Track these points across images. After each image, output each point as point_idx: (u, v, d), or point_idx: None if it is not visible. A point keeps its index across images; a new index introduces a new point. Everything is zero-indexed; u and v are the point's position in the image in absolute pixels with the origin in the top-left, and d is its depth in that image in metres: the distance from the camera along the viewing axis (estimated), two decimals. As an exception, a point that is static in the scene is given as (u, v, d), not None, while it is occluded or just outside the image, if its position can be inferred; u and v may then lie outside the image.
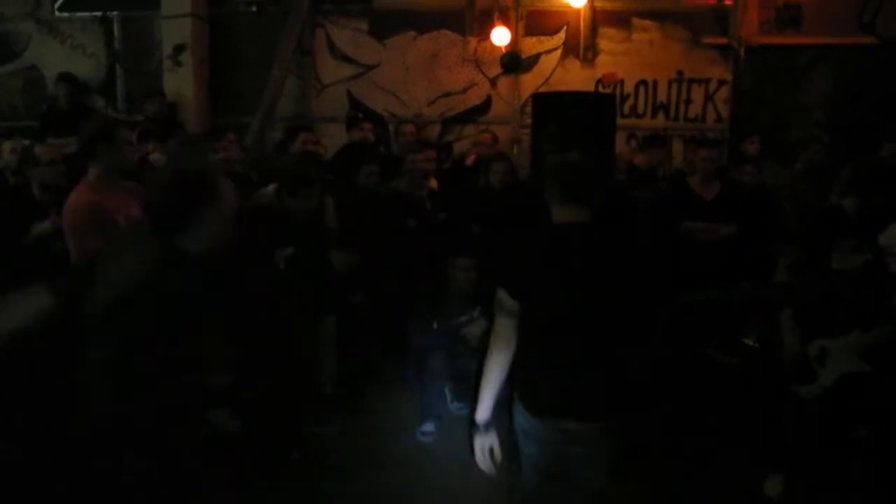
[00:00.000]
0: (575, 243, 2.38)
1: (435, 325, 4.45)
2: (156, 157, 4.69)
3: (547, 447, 2.48)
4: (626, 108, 6.94)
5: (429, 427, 4.34)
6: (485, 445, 2.51)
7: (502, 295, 2.43)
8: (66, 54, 7.56)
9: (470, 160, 6.16)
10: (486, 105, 7.23)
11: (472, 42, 7.13)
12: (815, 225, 3.96)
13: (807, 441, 3.53)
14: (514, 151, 6.88)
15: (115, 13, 7.47)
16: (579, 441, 2.39)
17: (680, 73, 6.89)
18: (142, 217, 3.36)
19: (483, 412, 2.52)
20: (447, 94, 7.24)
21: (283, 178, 4.14)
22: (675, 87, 6.92)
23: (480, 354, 2.66)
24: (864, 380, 3.46)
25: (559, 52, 7.05)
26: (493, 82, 7.19)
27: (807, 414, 3.51)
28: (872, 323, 3.50)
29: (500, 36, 6.85)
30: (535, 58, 7.08)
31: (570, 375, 2.36)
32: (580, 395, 2.36)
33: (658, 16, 6.86)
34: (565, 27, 7.00)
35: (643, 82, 6.96)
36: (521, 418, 2.52)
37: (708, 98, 6.88)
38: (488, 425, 2.52)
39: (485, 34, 6.97)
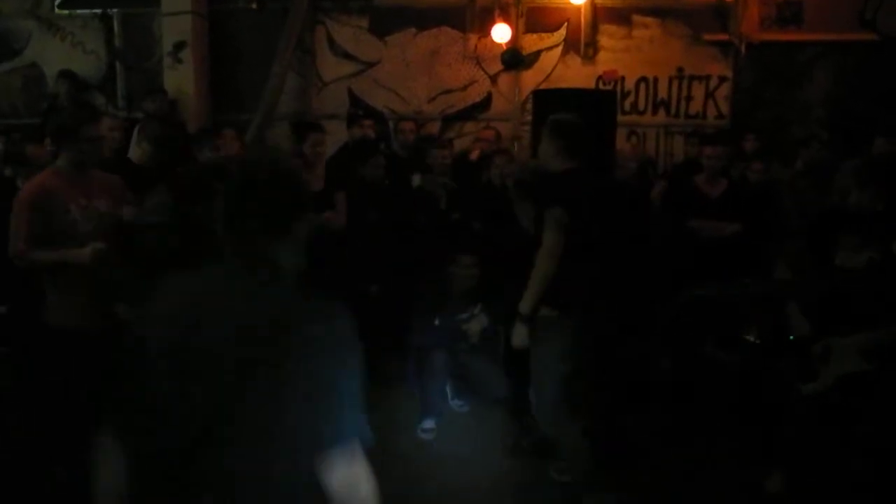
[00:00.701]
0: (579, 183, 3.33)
1: (436, 322, 4.45)
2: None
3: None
4: (627, 105, 6.93)
5: (429, 424, 4.34)
6: (523, 333, 3.32)
7: (564, 217, 3.22)
8: (66, 52, 7.56)
9: (474, 156, 6.16)
10: (486, 102, 7.22)
11: (473, 39, 7.12)
12: (818, 222, 3.94)
13: (807, 438, 3.53)
14: (515, 148, 6.87)
15: (115, 10, 7.47)
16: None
17: (680, 69, 6.88)
18: (110, 209, 3.26)
19: (527, 306, 3.29)
20: (448, 91, 7.24)
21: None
22: (675, 83, 6.91)
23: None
24: (866, 378, 3.45)
25: (560, 48, 7.04)
26: (493, 79, 7.18)
27: (807, 411, 3.51)
28: (877, 322, 3.48)
29: (501, 33, 6.83)
30: (536, 55, 7.08)
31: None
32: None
33: (659, 12, 6.84)
34: (566, 24, 6.99)
35: (644, 79, 6.95)
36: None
37: (708, 95, 6.87)
38: (531, 319, 3.30)
39: (485, 31, 6.96)
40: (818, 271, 3.67)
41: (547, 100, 4.90)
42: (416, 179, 5.41)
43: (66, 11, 7.58)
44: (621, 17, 6.92)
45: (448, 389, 4.64)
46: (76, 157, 3.23)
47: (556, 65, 7.05)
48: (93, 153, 3.28)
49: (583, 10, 6.86)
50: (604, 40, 6.96)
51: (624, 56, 6.94)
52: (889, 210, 3.58)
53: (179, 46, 6.99)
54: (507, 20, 6.85)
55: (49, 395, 3.32)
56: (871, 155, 5.04)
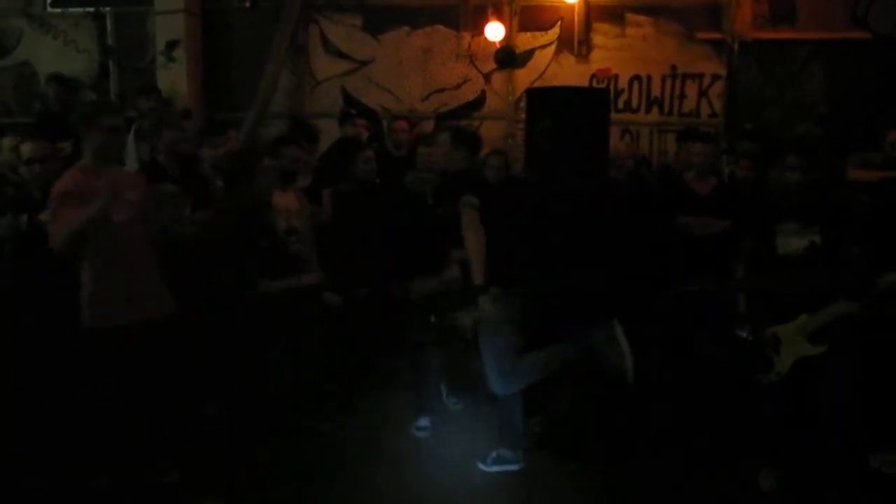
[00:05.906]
0: None
1: (432, 319, 4.45)
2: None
3: None
4: (621, 103, 6.93)
5: (424, 422, 4.35)
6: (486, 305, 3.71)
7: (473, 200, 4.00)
8: (58, 50, 7.51)
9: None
10: (480, 100, 7.21)
11: (466, 37, 7.12)
12: (759, 214, 3.97)
13: (790, 432, 3.56)
14: (509, 146, 6.89)
15: (107, 9, 7.43)
16: None
17: (674, 67, 6.89)
18: (139, 202, 3.47)
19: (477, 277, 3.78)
20: (441, 90, 7.23)
21: None
22: (668, 82, 6.92)
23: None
24: (821, 361, 3.48)
25: (553, 47, 7.04)
26: (487, 78, 7.18)
27: (783, 403, 3.54)
28: (821, 305, 3.50)
29: (494, 31, 6.84)
30: (530, 53, 7.08)
31: None
32: None
33: (652, 11, 6.86)
34: (559, 22, 7.00)
35: (637, 77, 6.96)
36: None
37: (702, 93, 6.89)
38: (483, 289, 3.73)
39: (479, 29, 6.96)
40: (761, 261, 3.73)
41: (540, 98, 4.90)
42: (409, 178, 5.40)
43: (58, 10, 7.53)
44: (614, 16, 6.93)
45: (442, 387, 4.65)
46: (97, 147, 3.38)
47: (549, 63, 7.05)
48: (112, 144, 3.43)
49: (576, 9, 6.86)
50: (597, 38, 6.97)
51: (617, 54, 6.94)
52: (825, 189, 3.62)
53: (172, 45, 6.97)
54: (500, 18, 6.86)
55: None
56: (881, 148, 5.02)
